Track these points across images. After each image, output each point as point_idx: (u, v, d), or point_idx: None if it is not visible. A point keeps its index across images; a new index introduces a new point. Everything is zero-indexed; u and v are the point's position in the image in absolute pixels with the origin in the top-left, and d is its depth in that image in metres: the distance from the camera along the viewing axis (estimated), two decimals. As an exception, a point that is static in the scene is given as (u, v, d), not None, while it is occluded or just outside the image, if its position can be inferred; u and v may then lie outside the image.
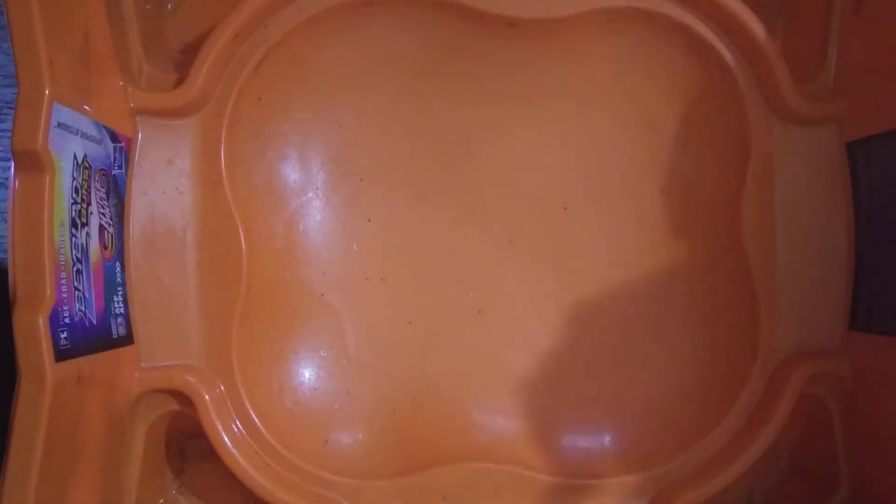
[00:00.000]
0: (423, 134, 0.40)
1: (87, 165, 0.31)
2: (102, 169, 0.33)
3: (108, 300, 0.33)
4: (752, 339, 0.38)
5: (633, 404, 0.40)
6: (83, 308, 0.31)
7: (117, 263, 0.34)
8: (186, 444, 0.39)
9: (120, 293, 0.34)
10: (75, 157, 0.30)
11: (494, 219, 0.41)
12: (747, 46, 0.37)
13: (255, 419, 0.37)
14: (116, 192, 0.35)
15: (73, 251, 0.30)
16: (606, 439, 0.40)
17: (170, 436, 0.38)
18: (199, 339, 0.36)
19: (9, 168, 0.28)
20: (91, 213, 0.32)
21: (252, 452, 0.36)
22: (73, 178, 0.30)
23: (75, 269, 0.30)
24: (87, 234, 0.32)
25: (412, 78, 0.39)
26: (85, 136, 0.31)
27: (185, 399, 0.36)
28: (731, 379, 0.39)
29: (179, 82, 0.35)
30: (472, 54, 0.39)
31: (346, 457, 0.39)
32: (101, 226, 0.33)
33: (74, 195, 0.30)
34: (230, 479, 0.36)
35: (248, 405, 0.37)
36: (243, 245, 0.37)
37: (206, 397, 0.35)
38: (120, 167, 0.35)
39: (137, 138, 0.36)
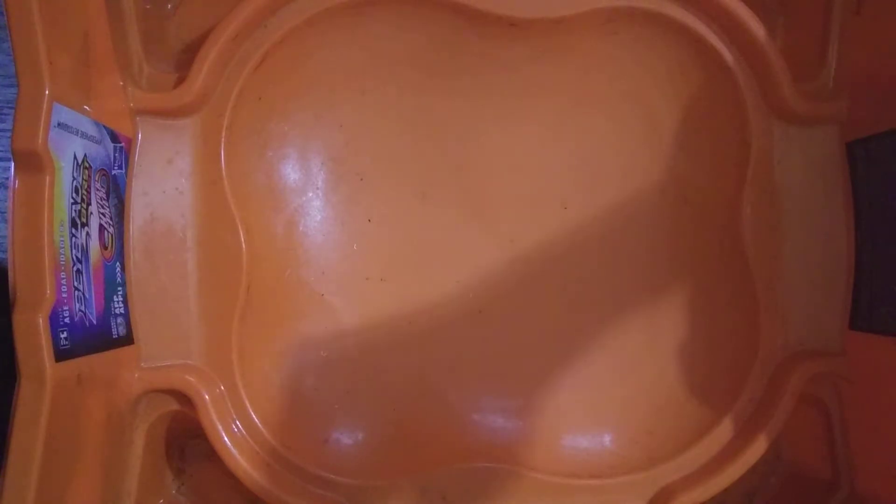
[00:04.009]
0: (423, 133, 0.40)
1: (87, 165, 0.31)
2: (102, 169, 0.33)
3: (108, 300, 0.33)
4: (753, 338, 0.38)
5: (632, 404, 0.40)
6: (83, 308, 0.31)
7: (117, 263, 0.34)
8: (186, 444, 0.39)
9: (120, 293, 0.34)
10: (75, 157, 0.30)
11: (495, 218, 0.41)
12: (747, 46, 0.37)
13: (255, 419, 0.37)
14: (116, 192, 0.35)
15: (73, 251, 0.30)
16: (606, 439, 0.40)
17: (170, 436, 0.38)
18: (199, 339, 0.36)
19: (9, 168, 0.28)
20: (91, 213, 0.32)
21: (252, 452, 0.36)
22: (73, 178, 0.30)
23: (75, 269, 0.30)
24: (87, 234, 0.32)
25: (412, 77, 0.39)
26: (85, 136, 0.31)
27: (185, 399, 0.36)
28: (731, 379, 0.39)
29: (179, 82, 0.35)
30: (472, 54, 0.39)
31: (346, 457, 0.39)
32: (101, 226, 0.33)
33: (74, 195, 0.30)
34: (230, 479, 0.36)
35: (248, 405, 0.37)
36: (243, 245, 0.37)
37: (206, 397, 0.35)
38: (120, 167, 0.35)
39: (137, 138, 0.36)
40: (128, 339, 0.35)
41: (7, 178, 0.32)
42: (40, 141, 0.28)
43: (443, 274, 0.41)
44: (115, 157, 0.34)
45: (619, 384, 0.40)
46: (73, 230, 0.30)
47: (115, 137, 0.34)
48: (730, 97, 0.38)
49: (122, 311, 0.34)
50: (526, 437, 0.40)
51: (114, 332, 0.33)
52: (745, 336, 0.38)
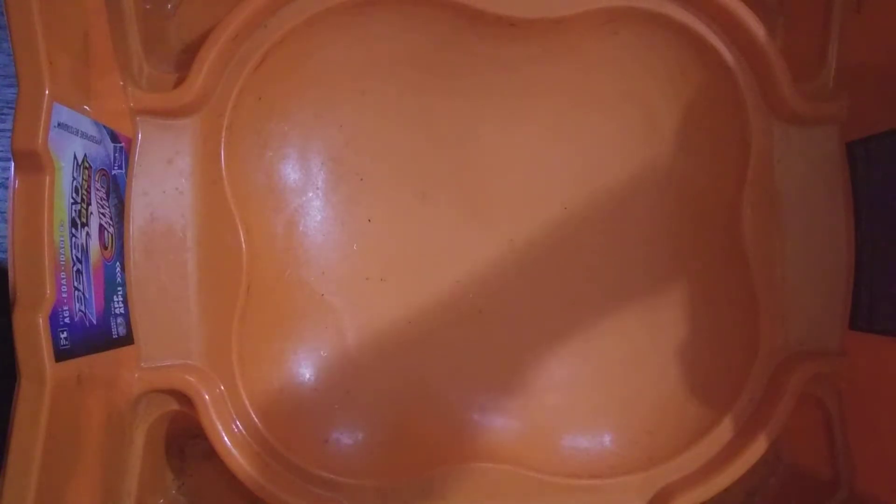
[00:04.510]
0: (423, 133, 0.40)
1: (87, 165, 0.31)
2: (102, 169, 0.33)
3: (108, 300, 0.33)
4: (753, 338, 0.38)
5: (632, 404, 0.40)
6: (83, 308, 0.31)
7: (117, 263, 0.34)
8: (186, 444, 0.39)
9: (120, 293, 0.34)
10: (75, 157, 0.30)
11: (494, 218, 0.41)
12: (747, 46, 0.37)
13: (255, 419, 0.37)
14: (116, 192, 0.35)
15: (73, 251, 0.30)
16: (606, 439, 0.40)
17: (170, 436, 0.38)
18: (199, 339, 0.36)
19: (9, 168, 0.28)
20: (91, 213, 0.32)
21: (252, 452, 0.36)
22: (73, 178, 0.30)
23: (75, 269, 0.30)
24: (87, 234, 0.32)
25: (412, 77, 0.39)
26: (85, 136, 0.31)
27: (185, 399, 0.36)
28: (731, 379, 0.39)
29: (179, 82, 0.35)
30: (472, 54, 0.39)
31: (346, 457, 0.39)
32: (101, 226, 0.33)
33: (74, 195, 0.30)
34: (230, 479, 0.36)
35: (248, 405, 0.37)
36: (243, 245, 0.37)
37: (206, 397, 0.35)
38: (120, 167, 0.35)
39: (137, 138, 0.36)
40: (128, 339, 0.35)
41: (7, 178, 0.32)
42: (40, 141, 0.28)
43: (443, 274, 0.41)
44: (115, 157, 0.34)
45: (619, 384, 0.40)
46: (73, 230, 0.30)
47: (115, 137, 0.34)
48: (730, 97, 0.38)
49: (122, 311, 0.34)
50: (526, 437, 0.40)
51: (114, 332, 0.33)
52: (745, 336, 0.38)
